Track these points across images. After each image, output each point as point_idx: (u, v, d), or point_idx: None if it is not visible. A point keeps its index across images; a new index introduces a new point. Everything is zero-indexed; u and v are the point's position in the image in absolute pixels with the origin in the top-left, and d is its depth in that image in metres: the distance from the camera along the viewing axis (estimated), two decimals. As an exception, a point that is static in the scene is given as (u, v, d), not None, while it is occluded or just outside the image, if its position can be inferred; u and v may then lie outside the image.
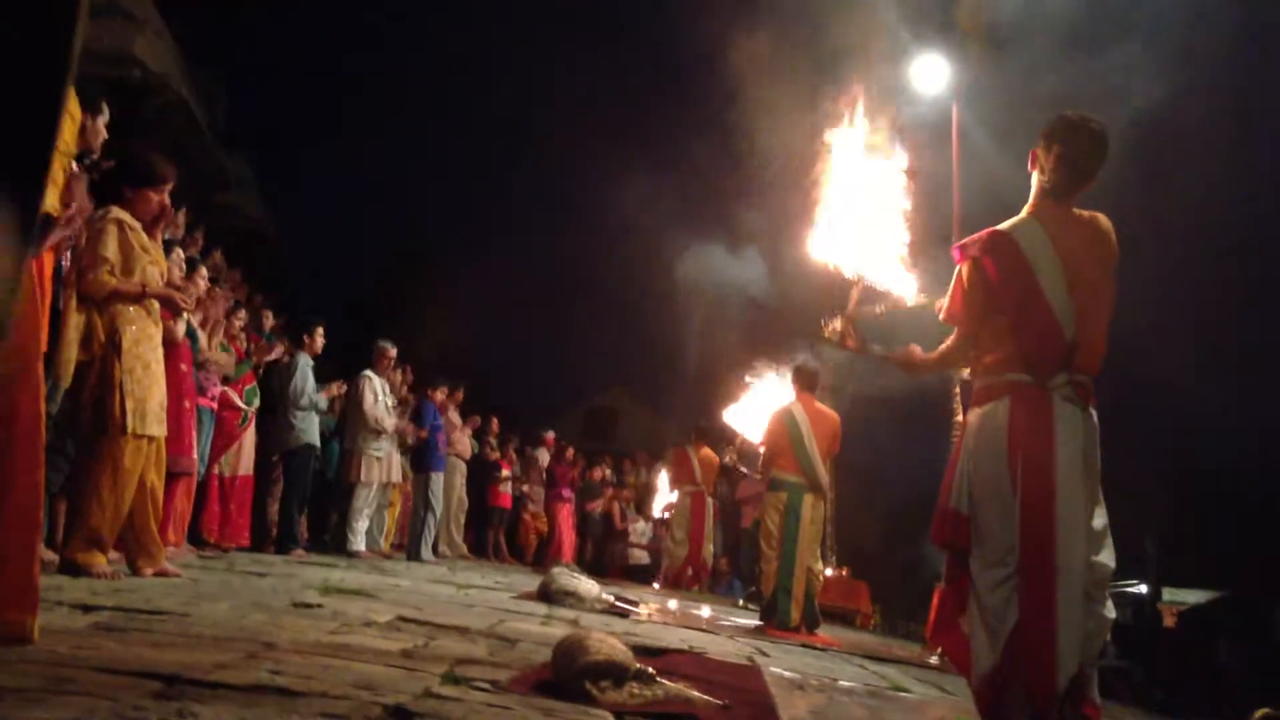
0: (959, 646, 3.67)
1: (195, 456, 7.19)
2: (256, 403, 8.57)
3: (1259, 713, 6.06)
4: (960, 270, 3.83)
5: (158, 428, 5.27)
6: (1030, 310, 3.60)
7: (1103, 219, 3.72)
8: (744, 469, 12.68)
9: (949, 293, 3.90)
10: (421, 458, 11.19)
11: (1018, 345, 3.59)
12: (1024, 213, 3.77)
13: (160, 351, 5.47)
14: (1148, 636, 10.49)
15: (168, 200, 5.56)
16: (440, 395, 11.72)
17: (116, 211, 5.27)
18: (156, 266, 5.46)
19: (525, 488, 15.66)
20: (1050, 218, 3.68)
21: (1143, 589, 12.89)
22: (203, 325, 7.60)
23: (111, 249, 5.18)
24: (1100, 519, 3.52)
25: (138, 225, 5.35)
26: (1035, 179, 3.81)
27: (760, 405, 9.65)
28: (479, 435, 14.26)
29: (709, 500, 13.09)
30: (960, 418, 11.22)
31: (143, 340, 5.26)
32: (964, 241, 3.88)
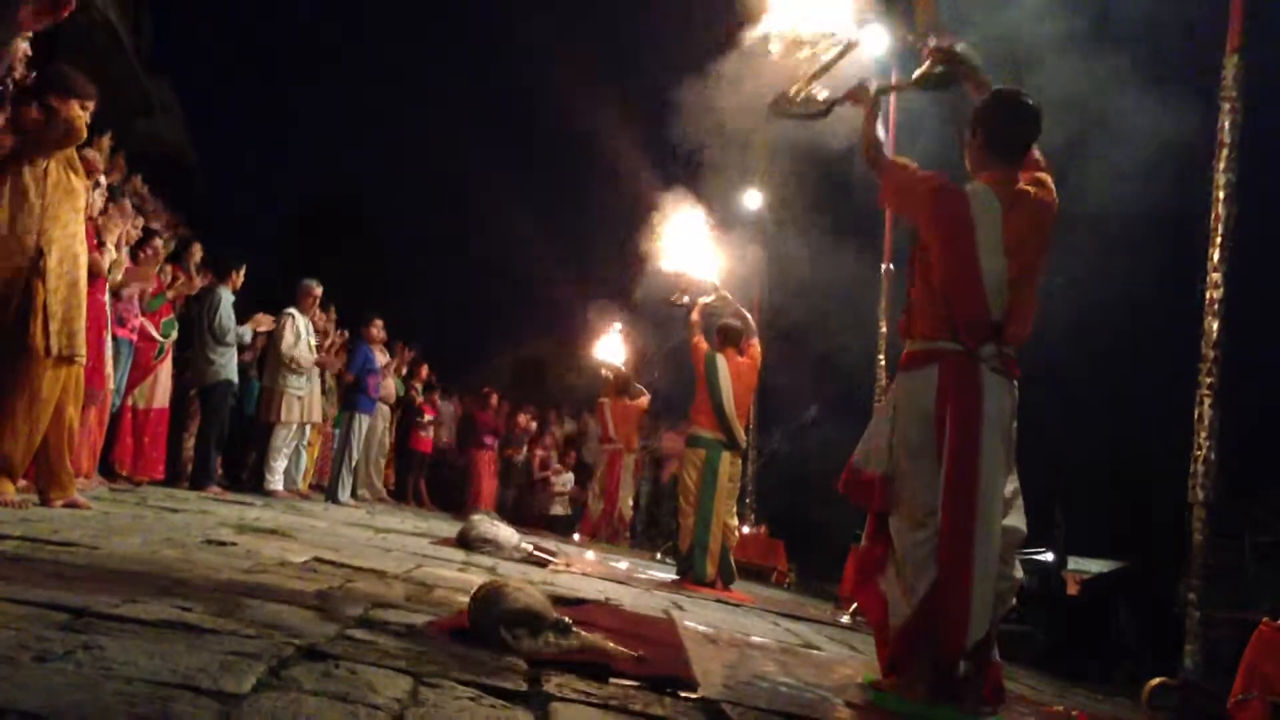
0: (876, 604, 3.75)
1: (109, 388, 7.03)
2: (174, 335, 8.39)
3: (1153, 682, 6.27)
4: (905, 179, 3.87)
5: (83, 349, 5.16)
6: (960, 276, 3.65)
7: (1047, 179, 3.76)
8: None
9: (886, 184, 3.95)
10: (350, 398, 11.06)
11: (947, 311, 3.65)
12: (976, 179, 3.78)
13: (85, 272, 5.31)
14: (1051, 603, 10.78)
15: (87, 119, 5.39)
16: (375, 332, 11.51)
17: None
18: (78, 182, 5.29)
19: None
20: (1003, 189, 3.69)
21: (1049, 557, 13.24)
22: (116, 245, 7.38)
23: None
24: (1012, 484, 3.63)
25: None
26: (975, 151, 3.85)
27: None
28: (406, 378, 14.14)
29: (626, 456, 13.17)
30: (884, 382, 11.39)
31: (67, 259, 5.08)
32: (935, 186, 3.82)
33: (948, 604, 3.45)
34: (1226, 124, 6.59)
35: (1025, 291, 3.66)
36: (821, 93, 4.22)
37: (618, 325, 13.44)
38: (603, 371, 13.44)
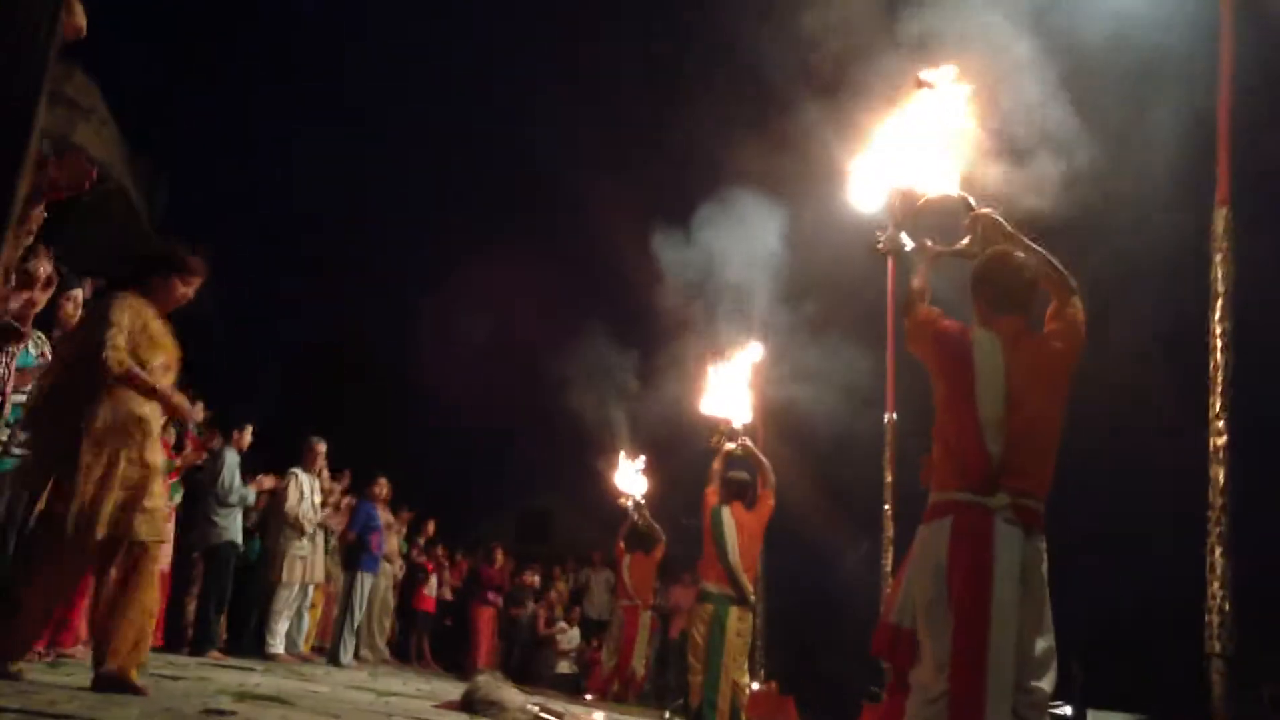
0: None
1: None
2: (178, 498, 8.37)
3: None
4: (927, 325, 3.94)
5: (126, 529, 4.70)
6: (959, 419, 3.71)
7: (1067, 329, 3.78)
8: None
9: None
10: (354, 557, 10.96)
11: (958, 461, 3.67)
12: (982, 326, 3.85)
13: (144, 451, 4.84)
14: (1072, 759, 10.48)
15: (191, 295, 5.25)
16: (380, 492, 11.53)
17: (130, 296, 4.95)
18: (165, 356, 5.02)
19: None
20: (1009, 337, 3.76)
21: (1068, 711, 12.90)
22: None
23: (124, 325, 4.78)
24: (1044, 643, 3.54)
25: (150, 313, 4.99)
26: (980, 307, 3.92)
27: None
28: (409, 536, 14.06)
29: (643, 614, 12.99)
30: (890, 533, 11.30)
31: (113, 434, 4.70)
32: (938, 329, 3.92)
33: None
34: (1219, 274, 6.68)
35: (1037, 440, 3.66)
36: (908, 243, 4.35)
37: (641, 460, 13.29)
38: (621, 501, 13.25)
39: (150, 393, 4.84)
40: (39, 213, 5.00)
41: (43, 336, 5.60)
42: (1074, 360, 3.79)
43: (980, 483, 3.59)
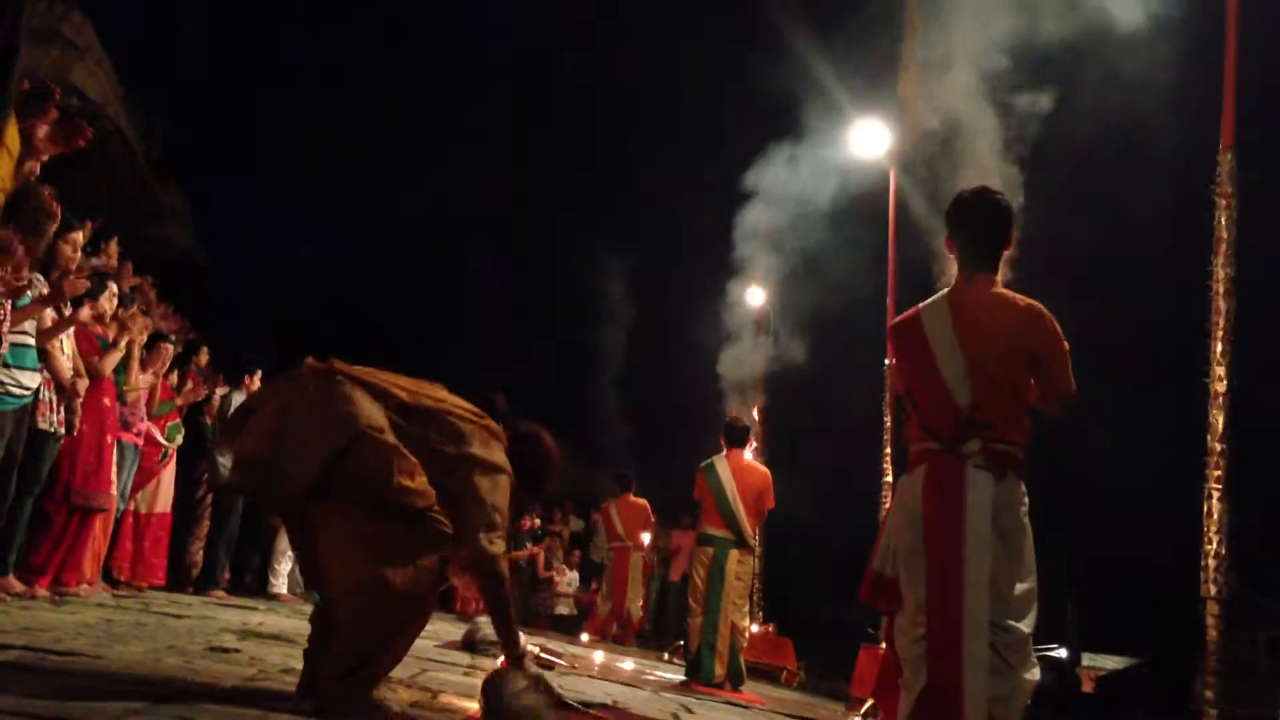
0: (895, 706, 3.73)
1: (114, 493, 7.01)
2: (179, 439, 8.38)
3: None
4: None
5: None
6: (927, 384, 3.77)
7: (1034, 307, 3.74)
8: None
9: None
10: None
11: (924, 415, 3.72)
12: (942, 291, 3.88)
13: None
14: (1067, 700, 10.60)
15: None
16: None
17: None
18: None
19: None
20: (960, 296, 3.79)
21: (1063, 653, 13.04)
22: (131, 353, 7.43)
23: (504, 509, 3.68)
24: (1023, 585, 3.58)
25: None
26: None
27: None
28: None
29: (634, 555, 13.11)
30: (889, 478, 11.37)
31: None
32: (892, 324, 4.10)
33: (941, 709, 3.42)
34: (1223, 219, 6.66)
35: (1004, 391, 3.67)
36: None
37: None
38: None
39: (504, 615, 3.80)
40: (30, 165, 4.92)
41: (40, 277, 5.55)
42: (1032, 314, 3.75)
43: (952, 432, 3.64)
